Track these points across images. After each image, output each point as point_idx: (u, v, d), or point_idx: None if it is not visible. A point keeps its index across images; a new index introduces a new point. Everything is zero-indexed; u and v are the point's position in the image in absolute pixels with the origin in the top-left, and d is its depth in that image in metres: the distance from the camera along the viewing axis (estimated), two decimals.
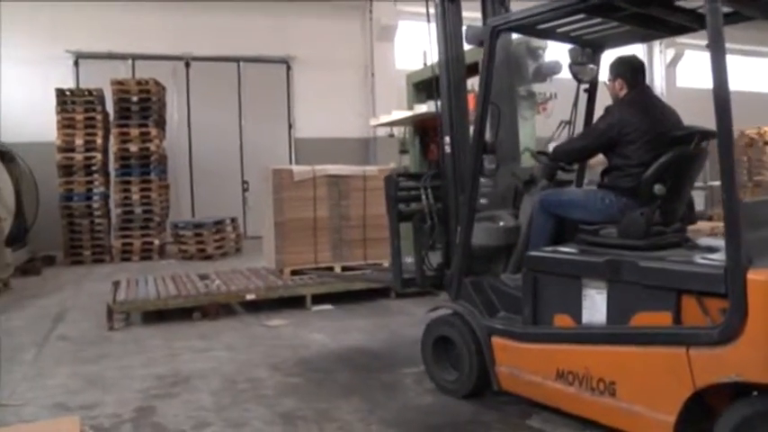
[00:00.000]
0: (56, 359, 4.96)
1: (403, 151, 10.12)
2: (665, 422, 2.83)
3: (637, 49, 17.43)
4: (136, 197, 10.70)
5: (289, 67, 13.67)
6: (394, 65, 13.89)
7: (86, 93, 10.88)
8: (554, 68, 7.13)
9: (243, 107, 13.54)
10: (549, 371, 3.31)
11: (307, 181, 6.84)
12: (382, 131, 12.70)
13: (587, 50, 4.13)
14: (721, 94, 2.67)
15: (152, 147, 10.77)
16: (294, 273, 6.80)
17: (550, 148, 4.10)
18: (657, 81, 18.57)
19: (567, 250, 3.46)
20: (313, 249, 6.93)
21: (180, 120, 13.11)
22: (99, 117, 10.79)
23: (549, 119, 7.84)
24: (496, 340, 3.63)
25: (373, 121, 9.32)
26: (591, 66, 4.16)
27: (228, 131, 13.40)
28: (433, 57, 4.35)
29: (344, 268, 7.02)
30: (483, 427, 3.48)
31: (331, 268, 6.98)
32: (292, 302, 6.43)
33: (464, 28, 4.12)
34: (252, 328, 5.80)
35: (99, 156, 10.74)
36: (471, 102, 7.31)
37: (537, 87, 7.69)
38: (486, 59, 3.69)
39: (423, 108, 7.40)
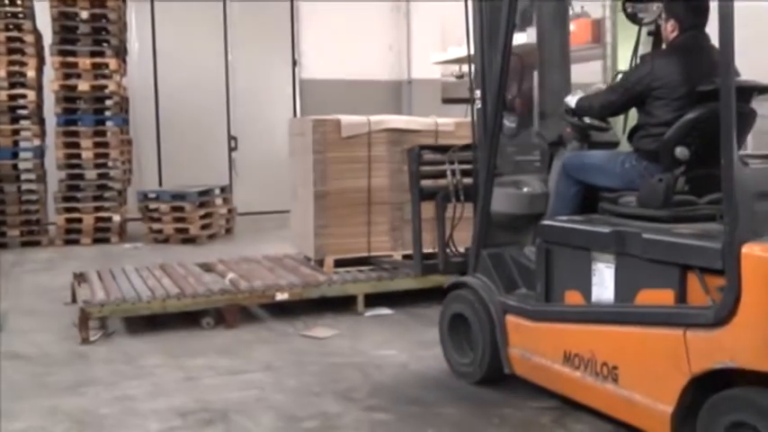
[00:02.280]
0: (14, 389, 4.57)
1: (453, 100, 9.80)
2: (663, 413, 3.26)
3: None
4: (87, 155, 10.25)
5: None
6: None
7: (7, 1, 10.40)
8: None
9: (229, 34, 13.13)
10: (557, 353, 3.89)
11: (359, 137, 6.52)
12: (420, 73, 12.66)
13: None
14: (725, 31, 3.02)
15: (111, 85, 10.32)
16: (339, 264, 6.52)
17: (571, 101, 4.48)
18: None
19: (578, 219, 4.02)
20: (366, 231, 6.61)
21: (142, 50, 12.67)
22: (29, 39, 10.36)
23: None
24: (510, 318, 4.23)
25: (436, 57, 9.06)
26: (657, 4, 4.42)
27: (210, 68, 13.01)
28: None
29: (407, 258, 6.58)
30: None
31: (389, 258, 6.72)
32: (336, 304, 6.28)
33: None
34: (290, 339, 5.62)
35: (31, 94, 10.32)
36: (584, 31, 7.10)
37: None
38: None
39: (519, 38, 7.09)
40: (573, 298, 3.91)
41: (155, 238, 10.16)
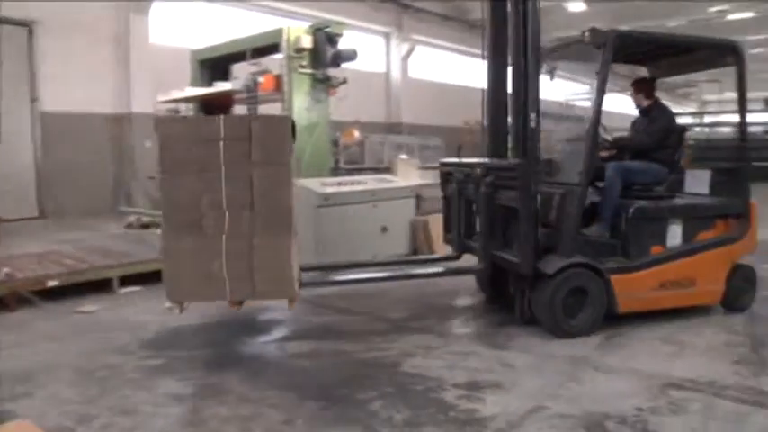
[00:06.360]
0: None
1: None
2: (718, 288, 5.15)
3: (379, 42, 18.82)
4: None
5: (30, 31, 11.75)
6: (148, 39, 13.15)
7: None
8: (351, 56, 7.63)
9: None
10: (654, 285, 4.94)
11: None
12: (139, 108, 12.47)
13: None
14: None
15: None
16: None
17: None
18: (394, 72, 20.28)
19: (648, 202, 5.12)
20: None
21: None
22: None
23: (341, 101, 8.33)
24: (614, 277, 4.80)
25: (161, 97, 8.85)
26: None
27: None
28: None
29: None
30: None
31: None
32: (93, 287, 5.96)
33: None
34: (65, 316, 5.37)
35: None
36: (269, 82, 7.48)
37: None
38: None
39: (226, 86, 7.33)
40: (656, 250, 4.95)
41: None
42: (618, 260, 4.91)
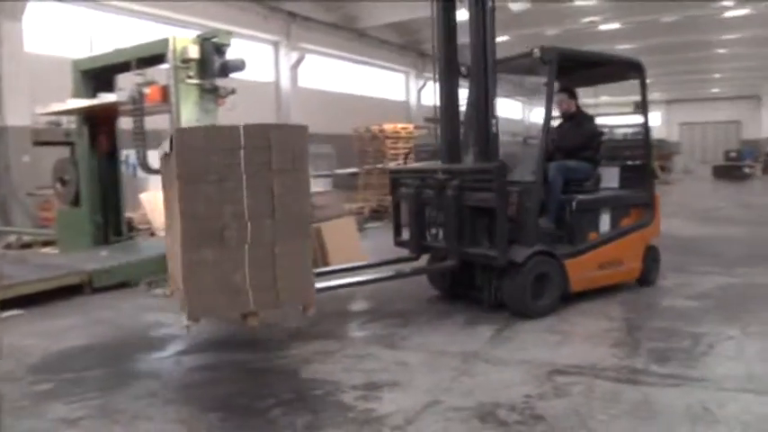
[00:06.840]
0: None
1: (42, 143, 9.26)
2: (637, 266, 5.99)
3: (267, 51, 18.89)
4: None
5: None
6: (23, 47, 12.36)
7: None
8: (239, 65, 7.57)
9: None
10: (595, 266, 5.68)
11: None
12: (15, 121, 11.74)
13: None
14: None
15: None
16: None
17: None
18: (283, 81, 20.23)
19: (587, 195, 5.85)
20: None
21: None
22: None
23: (230, 111, 8.25)
24: (567, 261, 5.40)
25: (40, 109, 8.39)
26: None
27: None
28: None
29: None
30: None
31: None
32: None
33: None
34: None
35: None
36: (156, 94, 7.32)
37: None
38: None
39: (111, 97, 7.07)
40: (593, 236, 5.66)
41: None
42: (565, 247, 5.48)
